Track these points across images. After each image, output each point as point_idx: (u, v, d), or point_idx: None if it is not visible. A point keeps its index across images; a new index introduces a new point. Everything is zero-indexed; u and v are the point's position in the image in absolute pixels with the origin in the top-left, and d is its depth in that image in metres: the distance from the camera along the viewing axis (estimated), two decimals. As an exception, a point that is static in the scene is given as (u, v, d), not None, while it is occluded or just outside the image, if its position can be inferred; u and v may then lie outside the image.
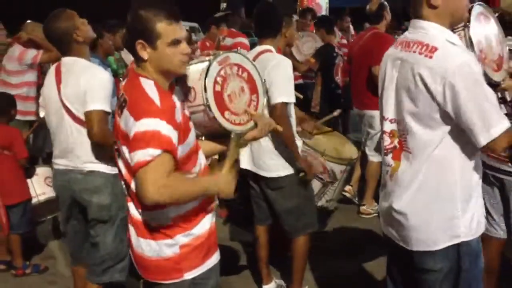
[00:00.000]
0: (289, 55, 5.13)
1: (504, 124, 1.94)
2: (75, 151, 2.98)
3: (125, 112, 1.92)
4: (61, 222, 3.85)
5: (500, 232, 2.99)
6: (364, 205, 5.08)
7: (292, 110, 3.30)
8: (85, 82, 2.87)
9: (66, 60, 3.01)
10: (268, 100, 3.16)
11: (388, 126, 2.14)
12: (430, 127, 1.99)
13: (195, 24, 20.89)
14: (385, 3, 5.14)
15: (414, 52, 2.01)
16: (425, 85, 1.94)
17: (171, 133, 1.86)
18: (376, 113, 4.14)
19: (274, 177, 3.34)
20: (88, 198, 3.00)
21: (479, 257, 2.14)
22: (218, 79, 2.10)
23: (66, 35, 2.93)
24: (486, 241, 2.98)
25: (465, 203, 2.06)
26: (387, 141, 2.15)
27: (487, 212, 2.93)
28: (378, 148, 4.80)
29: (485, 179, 2.87)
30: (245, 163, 3.46)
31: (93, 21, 3.25)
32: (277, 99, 3.14)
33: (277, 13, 3.37)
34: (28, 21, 5.25)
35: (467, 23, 2.14)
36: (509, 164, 2.78)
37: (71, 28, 2.93)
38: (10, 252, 4.04)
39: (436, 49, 1.96)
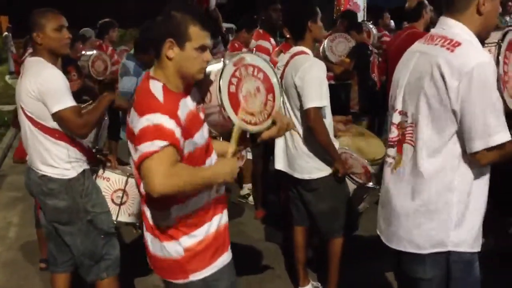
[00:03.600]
0: (323, 58, 5.10)
1: (505, 136, 1.90)
2: (30, 151, 2.93)
3: (132, 110, 2.00)
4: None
5: None
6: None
7: (327, 111, 3.29)
8: (39, 85, 2.75)
9: (27, 59, 2.97)
10: (301, 105, 3.20)
11: (397, 118, 2.13)
12: (438, 128, 1.97)
13: (231, 25, 20.96)
14: (425, 1, 5.04)
15: (436, 44, 2.02)
16: (443, 77, 1.92)
17: (173, 127, 1.90)
18: None
19: (308, 179, 3.35)
20: (43, 200, 2.93)
21: (473, 265, 2.06)
22: (233, 80, 2.13)
23: (31, 31, 2.84)
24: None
25: (461, 215, 2.00)
26: (394, 132, 2.13)
27: None
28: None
29: None
30: (281, 165, 3.48)
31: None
32: (308, 104, 3.13)
33: (305, 13, 3.31)
34: None
35: (500, 42, 2.10)
36: None
37: (37, 27, 2.82)
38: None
39: (459, 44, 1.95)
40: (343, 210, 3.41)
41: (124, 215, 3.16)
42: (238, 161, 2.13)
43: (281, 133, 2.28)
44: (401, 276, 2.27)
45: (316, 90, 3.16)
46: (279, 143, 3.47)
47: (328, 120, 3.29)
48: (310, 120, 3.10)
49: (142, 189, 2.01)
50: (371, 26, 7.02)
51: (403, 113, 2.09)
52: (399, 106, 2.12)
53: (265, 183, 5.11)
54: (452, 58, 1.93)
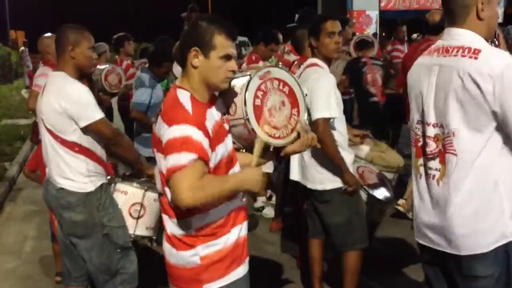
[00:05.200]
0: None
1: None
2: (49, 164, 2.96)
3: (159, 119, 2.02)
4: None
5: None
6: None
7: (338, 123, 3.27)
8: (64, 100, 2.82)
9: (51, 73, 3.04)
10: (310, 116, 3.17)
11: (432, 131, 2.17)
12: (477, 129, 2.04)
13: (244, 38, 21.14)
14: None
15: (455, 56, 2.09)
16: (477, 85, 2.00)
17: (201, 138, 1.92)
18: None
19: (320, 190, 3.33)
20: (61, 213, 2.94)
21: None
22: (259, 93, 2.14)
23: (63, 45, 2.90)
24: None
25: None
26: (432, 146, 2.17)
27: None
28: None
29: None
30: (296, 175, 3.47)
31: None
32: (317, 114, 3.12)
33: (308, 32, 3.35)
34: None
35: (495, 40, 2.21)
36: None
37: (73, 42, 2.88)
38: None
39: (479, 50, 2.04)
40: (358, 223, 3.37)
41: (141, 229, 3.16)
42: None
43: (304, 148, 2.28)
44: (443, 278, 2.29)
45: (324, 101, 3.15)
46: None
47: (341, 132, 3.28)
48: (318, 131, 3.06)
49: (165, 198, 2.03)
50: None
51: (439, 126, 2.14)
52: (431, 119, 2.17)
53: (283, 193, 5.08)
54: (479, 65, 2.01)
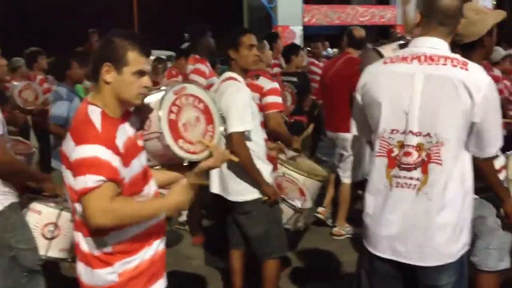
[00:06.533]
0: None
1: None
2: None
3: (68, 134, 1.99)
4: None
5: None
6: (336, 226, 5.12)
7: (255, 134, 3.33)
8: None
9: None
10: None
11: (415, 140, 2.11)
12: (461, 139, 2.11)
13: (172, 53, 20.98)
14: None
15: (445, 65, 2.09)
16: (470, 95, 2.04)
17: (110, 158, 1.91)
18: (349, 136, 4.22)
19: (240, 202, 3.38)
20: None
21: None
22: (173, 108, 2.16)
23: None
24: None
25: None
26: (414, 155, 2.12)
27: None
28: (351, 170, 4.85)
29: None
30: (215, 188, 3.49)
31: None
32: (231, 128, 3.16)
33: (226, 43, 3.36)
34: None
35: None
36: None
37: None
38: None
39: (467, 63, 2.10)
40: (276, 232, 3.44)
41: (54, 250, 3.05)
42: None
43: (218, 164, 2.33)
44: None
45: (238, 115, 3.19)
46: (215, 166, 3.48)
47: (257, 143, 3.34)
48: (233, 145, 3.12)
49: (76, 216, 2.01)
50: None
51: (424, 135, 2.10)
52: (414, 127, 2.11)
53: (203, 206, 5.09)
54: (470, 76, 2.07)
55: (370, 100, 2.23)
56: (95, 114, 1.98)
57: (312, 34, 14.00)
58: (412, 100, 2.11)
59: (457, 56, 2.15)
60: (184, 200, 2.09)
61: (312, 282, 4.16)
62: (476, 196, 2.57)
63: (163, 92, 2.16)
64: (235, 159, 2.49)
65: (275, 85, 4.04)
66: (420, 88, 2.10)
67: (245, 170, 3.29)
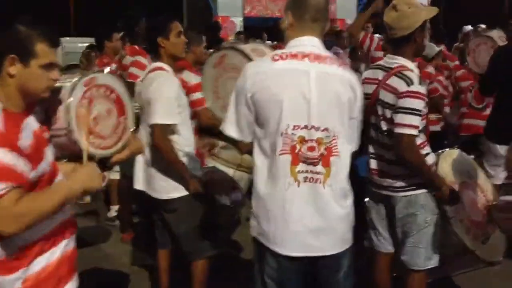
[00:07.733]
0: None
1: None
2: None
3: None
4: None
5: (388, 247, 3.04)
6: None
7: (183, 129, 3.19)
8: None
9: None
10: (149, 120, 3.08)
11: (314, 134, 2.15)
12: (348, 132, 2.24)
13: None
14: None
15: (332, 64, 2.19)
16: (355, 92, 2.22)
17: (14, 160, 1.74)
18: None
19: (167, 199, 3.23)
20: None
21: None
22: (84, 101, 2.04)
23: None
24: (376, 256, 3.07)
25: None
26: (316, 149, 2.15)
27: (375, 227, 3.03)
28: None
29: (373, 196, 2.99)
30: (139, 184, 3.33)
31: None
32: (152, 120, 3.03)
33: (155, 29, 3.23)
34: None
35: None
36: (388, 179, 2.87)
37: None
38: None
39: (346, 63, 2.25)
40: (204, 231, 3.32)
41: None
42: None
43: (129, 156, 2.25)
44: (321, 280, 2.31)
45: (163, 107, 3.05)
46: (139, 161, 3.31)
47: (185, 137, 3.20)
48: (154, 137, 2.99)
49: None
50: None
51: (323, 129, 2.15)
52: (314, 122, 2.14)
53: (133, 202, 4.91)
54: (352, 75, 2.26)
55: (266, 99, 2.16)
56: None
57: (252, 25, 13.96)
58: (310, 95, 2.15)
59: (335, 56, 2.31)
60: (91, 180, 1.94)
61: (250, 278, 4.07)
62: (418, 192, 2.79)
63: (72, 84, 2.04)
64: (143, 151, 2.37)
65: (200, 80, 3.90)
66: (314, 84, 2.15)
67: (169, 166, 3.15)
